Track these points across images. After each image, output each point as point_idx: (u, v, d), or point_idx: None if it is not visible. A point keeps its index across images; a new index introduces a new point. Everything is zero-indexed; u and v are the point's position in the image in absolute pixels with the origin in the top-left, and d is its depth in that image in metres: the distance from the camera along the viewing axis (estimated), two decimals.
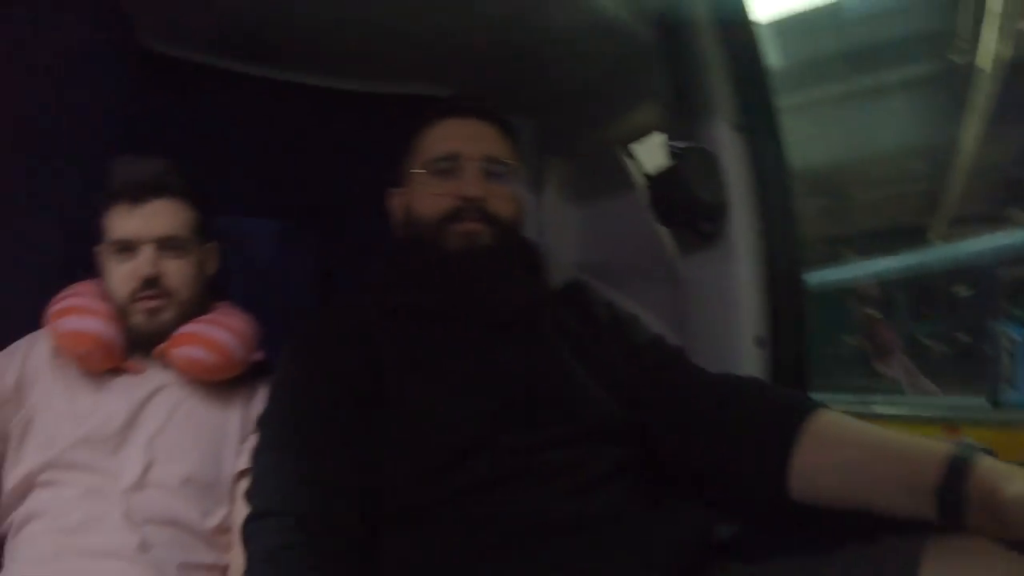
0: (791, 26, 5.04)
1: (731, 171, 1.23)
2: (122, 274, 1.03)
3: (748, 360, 1.20)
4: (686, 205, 1.21)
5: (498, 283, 0.95)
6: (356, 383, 0.88)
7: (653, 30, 1.32)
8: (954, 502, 0.60)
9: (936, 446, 0.65)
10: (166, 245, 1.04)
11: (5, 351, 1.03)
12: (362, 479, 0.82)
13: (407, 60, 1.60)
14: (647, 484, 0.88)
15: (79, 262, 1.14)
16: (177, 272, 1.05)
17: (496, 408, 0.86)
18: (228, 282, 1.22)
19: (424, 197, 0.98)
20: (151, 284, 1.02)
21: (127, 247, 1.03)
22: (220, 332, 1.05)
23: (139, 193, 1.03)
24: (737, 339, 1.21)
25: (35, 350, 1.03)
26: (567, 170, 1.86)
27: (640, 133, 1.63)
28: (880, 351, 2.81)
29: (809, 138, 5.60)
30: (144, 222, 1.03)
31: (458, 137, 0.99)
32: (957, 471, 0.61)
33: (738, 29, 1.28)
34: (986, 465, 0.60)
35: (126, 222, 1.03)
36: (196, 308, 1.08)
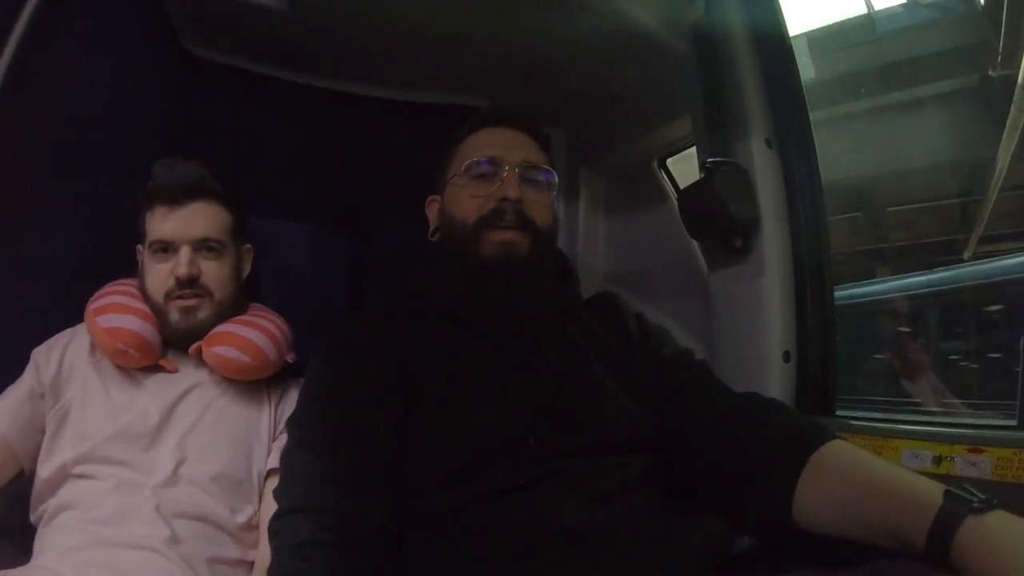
0: (825, 39, 4.99)
1: (762, 186, 1.23)
2: (160, 273, 1.06)
3: (775, 375, 1.19)
4: (717, 219, 1.21)
5: (531, 293, 0.97)
6: (387, 386, 0.89)
7: (688, 44, 1.32)
8: (940, 559, 0.61)
9: (928, 495, 0.65)
10: (203, 246, 1.06)
11: (44, 345, 1.06)
12: (389, 481, 0.83)
13: (443, 70, 1.63)
14: (670, 494, 0.89)
15: (120, 262, 1.17)
16: (213, 273, 1.07)
17: (524, 415, 0.87)
18: (263, 284, 1.24)
19: (462, 200, 0.99)
20: (188, 284, 1.04)
21: (165, 247, 1.05)
22: (254, 333, 1.08)
23: (178, 195, 1.06)
24: (765, 354, 1.21)
25: (73, 344, 1.06)
26: (599, 181, 1.88)
27: (674, 147, 1.64)
28: (908, 368, 2.76)
29: (842, 152, 5.55)
30: (182, 223, 1.05)
31: (497, 144, 1.01)
32: (944, 530, 0.61)
33: (773, 44, 1.29)
34: (973, 528, 0.60)
35: (165, 223, 1.06)
36: (231, 308, 1.10)
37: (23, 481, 1.00)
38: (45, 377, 1.02)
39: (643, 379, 0.97)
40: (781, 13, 1.29)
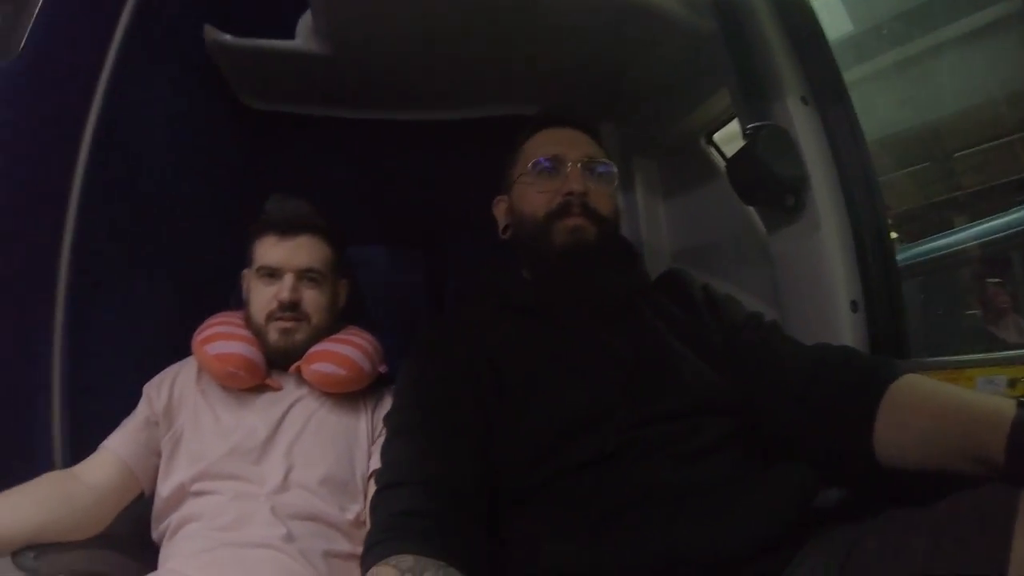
0: None
1: (805, 143, 1.25)
2: (264, 295, 1.16)
3: (845, 325, 1.21)
4: (765, 181, 1.24)
5: (602, 276, 1.02)
6: (474, 376, 0.95)
7: (713, 19, 1.36)
8: (1020, 469, 0.62)
9: (1001, 409, 0.67)
10: (305, 276, 1.17)
11: (155, 378, 1.16)
12: (481, 459, 0.88)
13: (490, 85, 1.72)
14: (756, 451, 0.92)
15: (205, 301, 1.29)
16: (313, 300, 1.18)
17: (606, 389, 0.91)
18: (351, 303, 1.33)
19: (531, 196, 1.07)
20: (289, 307, 1.15)
21: (272, 273, 1.16)
22: (349, 349, 1.16)
23: (288, 228, 1.17)
24: (832, 306, 1.22)
25: (180, 377, 1.16)
26: (652, 166, 1.93)
27: (719, 121, 1.67)
28: (994, 314, 2.67)
29: (898, 103, 5.34)
30: (289, 253, 1.16)
31: (558, 142, 1.09)
32: (1021, 437, 0.63)
33: (794, 5, 1.31)
34: None
35: (273, 251, 1.16)
36: (325, 333, 1.20)
37: (142, 503, 1.09)
38: (158, 407, 1.11)
39: (716, 345, 1.00)
40: None
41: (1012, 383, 0.94)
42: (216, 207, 1.53)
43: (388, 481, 0.83)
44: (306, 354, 1.16)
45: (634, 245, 1.18)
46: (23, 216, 1.06)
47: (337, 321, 1.25)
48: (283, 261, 1.16)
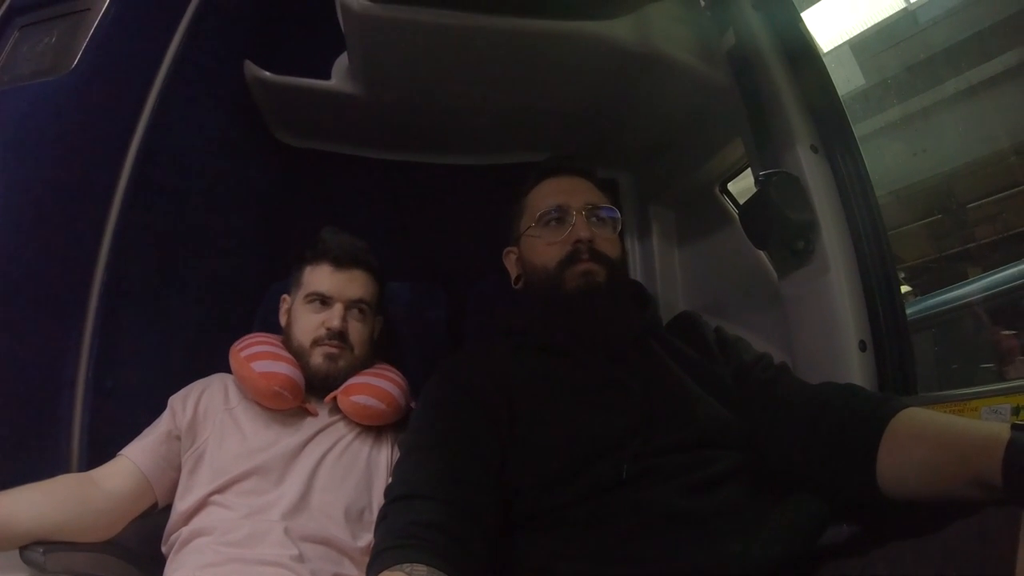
0: (869, 42, 4.87)
1: (815, 189, 1.30)
2: (312, 321, 1.20)
3: (854, 365, 1.23)
4: (776, 226, 1.28)
5: (613, 316, 1.07)
6: (490, 405, 0.98)
7: (726, 72, 1.43)
8: (1018, 488, 0.64)
9: (997, 432, 0.69)
10: (354, 307, 1.22)
11: (180, 393, 1.18)
12: (494, 486, 0.89)
13: (513, 134, 1.79)
14: (765, 483, 0.94)
15: (232, 325, 1.33)
16: (357, 332, 1.22)
17: (620, 419, 0.95)
18: (382, 340, 1.38)
19: (540, 249, 1.13)
20: (337, 336, 1.19)
21: (323, 300, 1.21)
22: (386, 383, 1.20)
23: (344, 259, 1.23)
24: (841, 345, 1.25)
25: (207, 393, 1.19)
26: (668, 215, 1.99)
27: (732, 170, 1.72)
28: (1004, 360, 2.68)
29: (911, 155, 5.36)
30: (343, 284, 1.21)
31: (561, 192, 1.15)
32: (1016, 457, 0.65)
33: (804, 58, 1.38)
34: None
35: (327, 280, 1.21)
36: (362, 364, 1.23)
37: (154, 516, 1.10)
38: (181, 422, 1.13)
39: (726, 382, 1.04)
40: (806, 28, 1.39)
41: (1016, 411, 0.96)
42: (246, 235, 1.58)
43: (403, 493, 0.83)
44: (344, 385, 1.19)
45: (647, 288, 1.23)
46: (66, 222, 1.11)
47: (372, 354, 1.29)
48: (336, 291, 1.21)
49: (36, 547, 0.92)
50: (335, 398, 1.17)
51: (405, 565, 0.70)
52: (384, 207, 1.84)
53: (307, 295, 1.22)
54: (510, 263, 1.23)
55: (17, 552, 0.92)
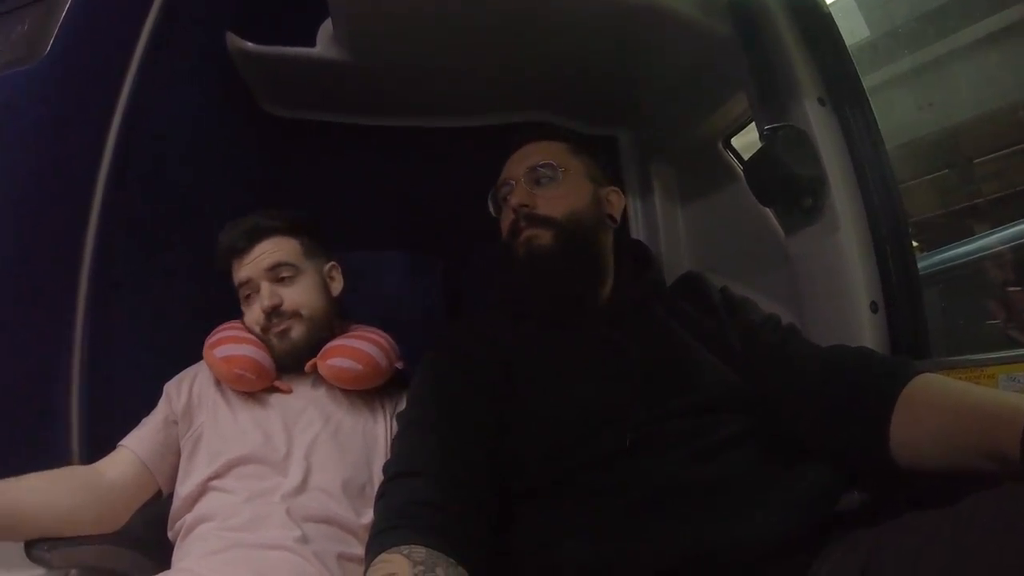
0: None
1: (822, 143, 1.25)
2: (253, 312, 1.18)
3: (865, 326, 1.20)
4: (783, 182, 1.23)
5: (565, 278, 1.03)
6: (489, 376, 0.95)
7: (728, 23, 1.37)
8: None
9: (1017, 405, 0.67)
10: (278, 275, 1.17)
11: (175, 379, 1.18)
12: (492, 460, 0.87)
13: (507, 92, 1.73)
14: (774, 449, 0.90)
15: (227, 307, 1.28)
16: (295, 295, 1.18)
17: (621, 386, 0.91)
18: (366, 312, 1.34)
19: (501, 222, 1.13)
20: (274, 313, 1.16)
21: (249, 291, 1.18)
22: (365, 344, 1.17)
23: (240, 244, 1.18)
24: (852, 307, 1.22)
25: (200, 377, 1.17)
26: (670, 173, 1.94)
27: (736, 125, 1.67)
28: (1013, 318, 2.63)
29: (917, 108, 5.27)
30: (253, 265, 1.17)
31: (512, 164, 1.14)
32: None
33: (808, 5, 1.32)
34: None
35: (240, 270, 1.18)
36: (325, 322, 1.20)
37: (159, 503, 1.10)
38: (177, 407, 1.13)
39: (733, 345, 1.00)
40: None
41: None
42: (236, 212, 1.53)
43: (401, 470, 0.82)
44: (322, 350, 1.16)
45: (649, 249, 1.18)
46: (48, 213, 1.08)
47: (338, 311, 1.26)
48: (250, 273, 1.17)
49: (41, 543, 0.92)
50: (315, 365, 1.15)
51: (403, 547, 0.68)
52: (378, 175, 1.79)
53: (238, 290, 1.21)
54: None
55: (22, 549, 0.92)
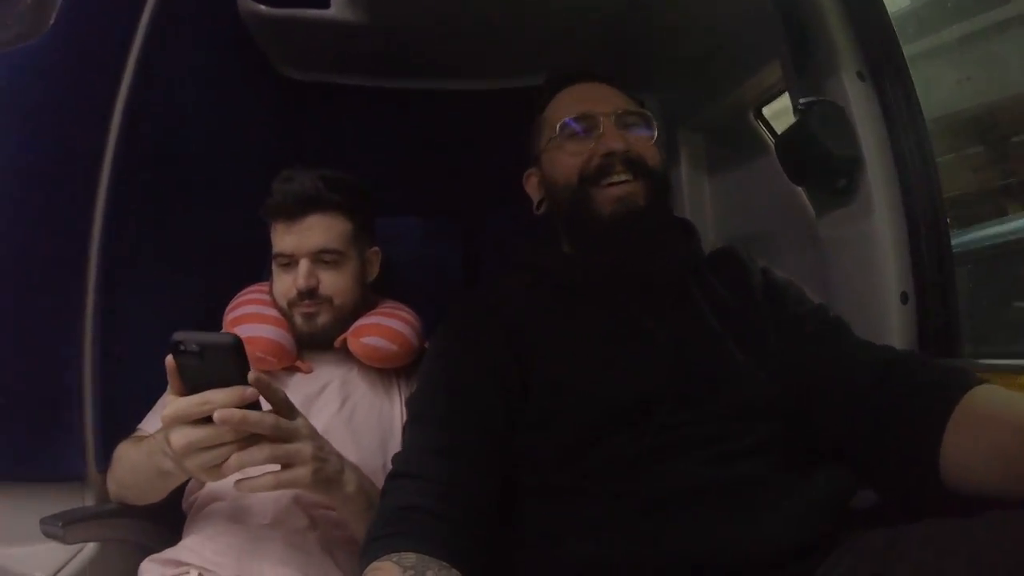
0: None
1: (860, 121, 1.17)
2: (284, 283, 1.14)
3: (893, 317, 1.15)
4: (817, 161, 1.17)
5: (657, 247, 0.92)
6: (500, 363, 0.89)
7: None
8: None
9: None
10: (321, 258, 1.12)
11: None
12: (499, 456, 0.83)
13: (529, 53, 1.66)
14: (797, 455, 0.84)
15: (229, 280, 1.27)
16: (333, 282, 1.13)
17: (647, 383, 0.85)
18: (385, 277, 1.30)
19: (561, 161, 0.97)
20: (308, 294, 1.11)
21: (287, 260, 1.13)
22: (397, 323, 1.14)
23: (294, 210, 1.12)
24: (881, 296, 1.16)
25: None
26: (698, 141, 1.86)
27: (768, 94, 1.59)
28: None
29: (955, 82, 5.10)
30: (300, 238, 1.12)
31: (585, 100, 0.99)
32: None
33: None
34: None
35: (284, 238, 1.13)
36: (352, 312, 1.16)
37: None
38: None
39: (768, 337, 0.92)
40: None
41: None
42: (253, 180, 1.49)
43: (397, 470, 0.80)
44: (354, 327, 1.13)
45: (690, 221, 1.08)
46: (57, 191, 1.04)
47: (368, 295, 1.22)
48: (295, 247, 1.12)
49: (55, 519, 0.92)
50: (344, 341, 1.12)
51: (393, 555, 0.67)
52: (394, 138, 1.75)
53: (275, 256, 1.15)
54: (532, 187, 1.08)
55: (37, 524, 0.92)
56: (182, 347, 0.67)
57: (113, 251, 1.07)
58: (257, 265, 1.32)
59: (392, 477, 0.80)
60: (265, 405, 0.75)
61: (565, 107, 1.00)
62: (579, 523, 0.79)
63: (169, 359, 0.69)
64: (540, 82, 1.43)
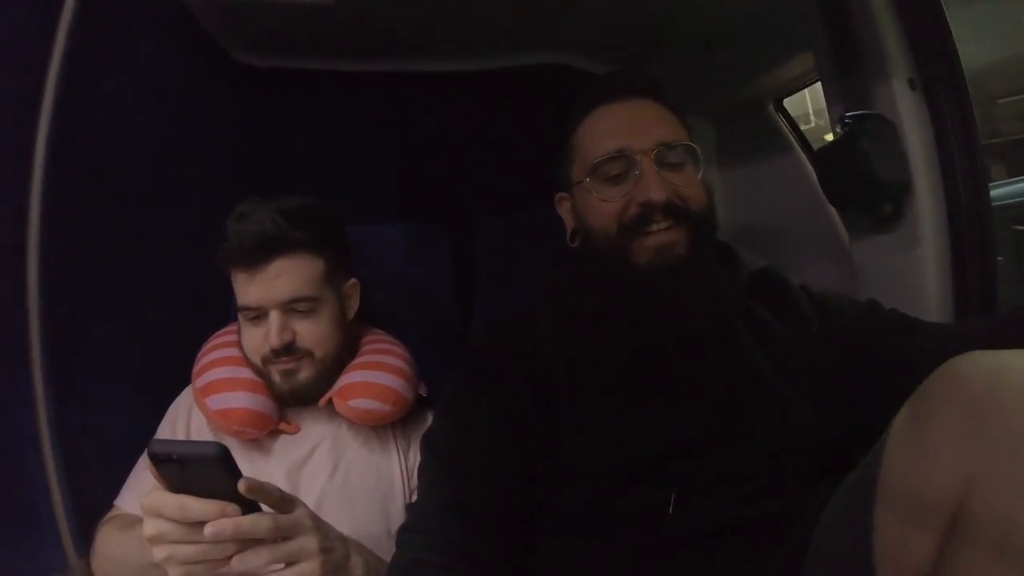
0: None
1: (911, 139, 1.05)
2: (254, 340, 1.00)
3: None
4: (864, 186, 1.05)
5: (699, 293, 0.85)
6: (522, 408, 0.83)
7: None
8: None
9: None
10: (293, 307, 0.99)
11: (167, 419, 1.04)
12: (515, 509, 0.81)
13: (519, 27, 1.51)
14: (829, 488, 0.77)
15: (192, 306, 1.18)
16: (310, 332, 1.01)
17: (683, 431, 0.79)
18: (368, 298, 1.17)
19: (595, 206, 0.88)
20: (284, 351, 0.98)
21: (254, 314, 0.99)
22: (387, 377, 1.03)
23: (255, 256, 0.97)
24: None
25: (194, 419, 1.03)
26: (707, 130, 1.73)
27: (792, 86, 1.49)
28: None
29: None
30: (266, 288, 0.97)
31: (621, 129, 0.88)
32: None
33: None
34: None
35: (248, 289, 0.98)
36: (338, 357, 1.05)
37: None
38: None
39: (823, 367, 0.85)
40: None
41: None
42: (214, 184, 1.35)
43: (411, 524, 0.81)
44: (338, 386, 1.01)
45: (733, 248, 0.98)
46: None
47: (349, 334, 1.09)
48: (261, 299, 0.98)
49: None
50: (330, 400, 1.02)
51: None
52: (370, 131, 1.58)
53: (240, 309, 1.01)
54: (564, 212, 0.98)
55: None
56: (162, 457, 0.65)
57: (55, 304, 0.93)
58: (226, 283, 1.14)
59: (404, 529, 0.81)
60: None
61: (599, 139, 0.89)
62: (603, 564, 0.78)
63: (150, 466, 0.66)
64: (536, 61, 1.23)
